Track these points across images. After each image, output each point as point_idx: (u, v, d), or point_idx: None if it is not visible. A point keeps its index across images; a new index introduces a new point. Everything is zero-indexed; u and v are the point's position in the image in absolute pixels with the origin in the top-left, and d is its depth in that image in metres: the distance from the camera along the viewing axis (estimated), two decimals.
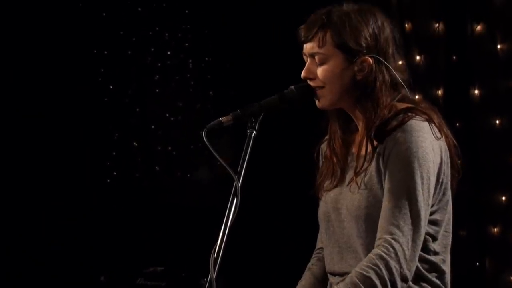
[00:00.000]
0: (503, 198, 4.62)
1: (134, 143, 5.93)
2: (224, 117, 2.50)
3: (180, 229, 5.20)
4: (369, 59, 2.51)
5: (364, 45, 2.51)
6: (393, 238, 2.37)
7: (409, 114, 2.48)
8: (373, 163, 2.50)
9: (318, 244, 2.86)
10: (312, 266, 2.83)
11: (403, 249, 2.36)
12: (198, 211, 5.02)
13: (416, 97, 2.68)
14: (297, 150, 3.67)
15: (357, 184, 2.52)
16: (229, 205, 2.38)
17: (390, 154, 2.45)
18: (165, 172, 5.92)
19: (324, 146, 2.76)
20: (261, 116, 2.50)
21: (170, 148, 5.93)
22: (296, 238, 3.90)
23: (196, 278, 4.34)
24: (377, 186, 2.48)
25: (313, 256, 2.89)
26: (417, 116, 2.48)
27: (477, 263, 4.74)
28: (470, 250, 4.69)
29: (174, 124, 5.93)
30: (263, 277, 4.49)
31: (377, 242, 2.40)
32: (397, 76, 2.54)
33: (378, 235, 2.41)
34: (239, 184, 2.39)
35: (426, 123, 2.48)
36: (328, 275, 2.69)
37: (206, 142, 2.44)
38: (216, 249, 2.31)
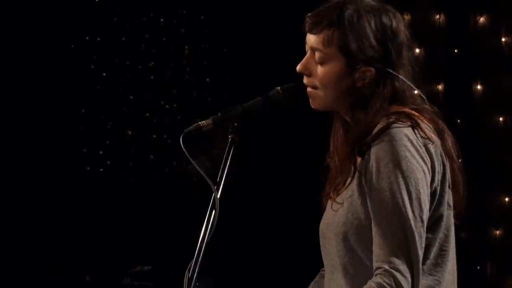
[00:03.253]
0: (506, 199, 4.48)
1: (128, 132, 5.82)
2: (204, 121, 2.30)
3: (169, 227, 5.06)
4: (373, 70, 2.29)
5: (370, 54, 2.27)
6: (393, 268, 2.15)
7: (390, 119, 2.21)
8: (355, 178, 2.28)
9: None
10: (314, 283, 2.64)
11: (405, 278, 2.15)
12: (188, 208, 4.86)
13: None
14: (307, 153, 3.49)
15: (336, 201, 2.32)
16: (206, 219, 2.20)
17: (372, 171, 2.22)
18: (159, 161, 5.81)
19: None
20: (244, 120, 2.31)
21: (165, 136, 5.82)
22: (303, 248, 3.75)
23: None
24: (357, 201, 2.27)
25: (319, 272, 2.72)
26: (398, 122, 2.21)
27: (478, 267, 4.60)
28: (471, 253, 4.55)
29: (169, 112, 5.82)
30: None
31: (375, 272, 2.20)
32: (405, 86, 2.31)
33: (375, 264, 2.19)
34: (218, 196, 2.21)
35: (409, 129, 2.20)
36: None
37: (183, 148, 2.26)
38: (191, 268, 2.13)
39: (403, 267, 2.17)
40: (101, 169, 5.74)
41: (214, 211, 2.21)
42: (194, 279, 2.10)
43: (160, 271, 4.47)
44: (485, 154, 4.50)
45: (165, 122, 5.86)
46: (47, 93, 5.36)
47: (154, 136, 5.87)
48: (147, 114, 5.93)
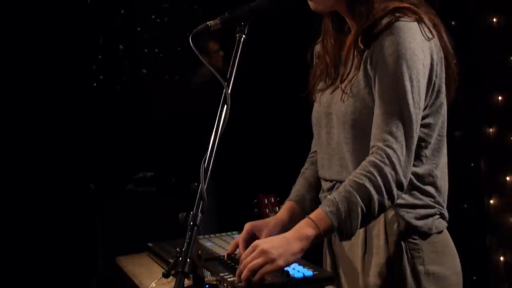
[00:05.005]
0: (500, 98, 4.53)
1: (120, 46, 5.83)
2: (212, 21, 2.35)
3: (170, 134, 5.09)
4: None
5: None
6: (386, 145, 2.27)
7: (397, 14, 2.34)
8: (361, 68, 2.40)
9: (313, 148, 2.80)
10: (306, 170, 2.78)
11: (397, 155, 2.27)
12: (189, 115, 4.90)
13: None
14: (290, 52, 3.54)
15: (343, 91, 2.43)
16: (218, 113, 2.27)
17: (378, 59, 2.34)
18: (152, 75, 5.83)
19: (318, 47, 2.65)
20: (251, 20, 2.37)
21: (156, 50, 5.83)
22: (290, 141, 3.80)
23: (186, 183, 4.28)
24: (364, 91, 2.39)
25: (307, 160, 2.83)
26: (405, 17, 2.33)
27: (472, 164, 4.71)
28: (465, 151, 4.63)
29: (160, 26, 5.81)
30: (256, 182, 4.41)
31: (370, 151, 2.31)
32: None
33: (371, 143, 2.32)
34: (229, 91, 2.27)
35: (415, 23, 2.33)
36: (321, 179, 2.63)
37: (193, 47, 2.30)
38: (207, 159, 2.20)
39: (397, 146, 2.28)
40: (95, 84, 5.76)
41: (226, 105, 2.26)
42: (209, 170, 2.16)
43: (162, 177, 4.54)
44: (480, 54, 4.54)
45: (157, 36, 5.86)
46: (39, 10, 5.34)
47: (146, 50, 5.88)
48: (138, 29, 5.92)
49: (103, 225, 4.26)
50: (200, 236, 2.94)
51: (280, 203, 3.53)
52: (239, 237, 2.57)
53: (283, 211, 2.68)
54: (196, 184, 4.28)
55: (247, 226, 2.59)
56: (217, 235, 2.97)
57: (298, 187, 2.75)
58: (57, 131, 4.95)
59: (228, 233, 2.98)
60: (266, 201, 3.75)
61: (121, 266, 2.82)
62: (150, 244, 2.85)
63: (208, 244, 2.82)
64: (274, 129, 4.66)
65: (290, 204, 2.71)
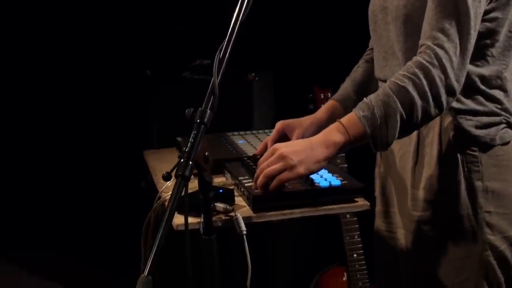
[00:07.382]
0: None
1: None
2: None
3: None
4: None
5: None
6: (436, 44, 1.97)
7: None
8: None
9: (370, 44, 2.53)
10: (358, 68, 2.56)
11: (449, 56, 1.96)
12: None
13: None
14: None
15: None
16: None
17: None
18: None
19: None
20: None
21: None
22: (352, 32, 3.47)
23: (244, 73, 4.06)
24: None
25: (362, 57, 2.58)
26: None
27: None
28: None
29: None
30: (313, 75, 4.15)
31: (418, 50, 2.01)
32: None
33: (420, 41, 2.01)
34: None
35: None
36: (377, 79, 2.37)
37: None
38: (223, 49, 1.96)
39: (449, 45, 1.96)
40: None
41: None
42: (225, 61, 1.92)
43: None
44: None
45: None
46: None
47: None
48: None
49: (158, 113, 4.10)
50: (234, 132, 2.73)
51: None
52: (269, 137, 2.35)
53: (323, 110, 2.44)
54: (253, 74, 4.04)
55: (278, 124, 2.37)
56: (253, 132, 2.74)
57: (345, 85, 2.52)
58: (114, 17, 4.75)
59: (266, 131, 2.74)
60: (322, 96, 3.49)
61: (146, 161, 2.64)
62: (178, 139, 2.64)
63: (240, 141, 2.60)
64: (335, 19, 4.33)
65: (332, 103, 2.47)
